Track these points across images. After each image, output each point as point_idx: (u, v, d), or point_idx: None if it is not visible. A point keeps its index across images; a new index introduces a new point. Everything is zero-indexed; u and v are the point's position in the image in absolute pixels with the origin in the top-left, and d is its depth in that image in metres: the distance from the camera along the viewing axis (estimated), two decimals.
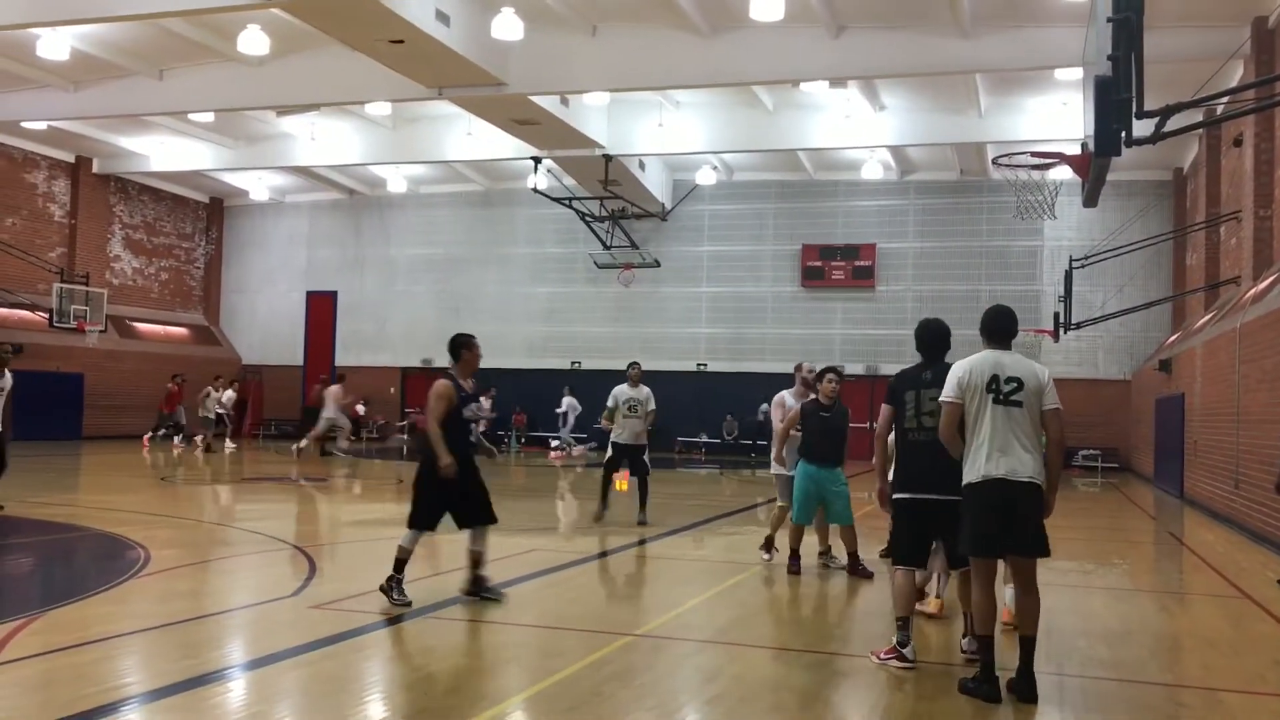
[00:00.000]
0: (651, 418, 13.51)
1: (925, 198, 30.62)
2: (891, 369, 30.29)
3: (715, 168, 30.39)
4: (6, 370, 11.70)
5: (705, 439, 30.98)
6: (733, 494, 19.52)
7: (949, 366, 6.39)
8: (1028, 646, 5.71)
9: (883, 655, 6.37)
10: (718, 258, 32.18)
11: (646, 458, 13.47)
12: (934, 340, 7.10)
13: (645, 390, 13.44)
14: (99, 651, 6.24)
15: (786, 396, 10.37)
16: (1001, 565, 6.35)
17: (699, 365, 31.99)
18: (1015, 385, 5.89)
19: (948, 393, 6.00)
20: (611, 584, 9.58)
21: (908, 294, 30.56)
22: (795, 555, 9.69)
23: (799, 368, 10.68)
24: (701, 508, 16.58)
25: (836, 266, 31.03)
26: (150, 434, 28.02)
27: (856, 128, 25.02)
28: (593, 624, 7.37)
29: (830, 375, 9.59)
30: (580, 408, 29.63)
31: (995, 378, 5.93)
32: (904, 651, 6.27)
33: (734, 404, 31.20)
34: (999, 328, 6.31)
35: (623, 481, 14.29)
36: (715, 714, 5.34)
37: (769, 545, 10.44)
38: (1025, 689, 5.63)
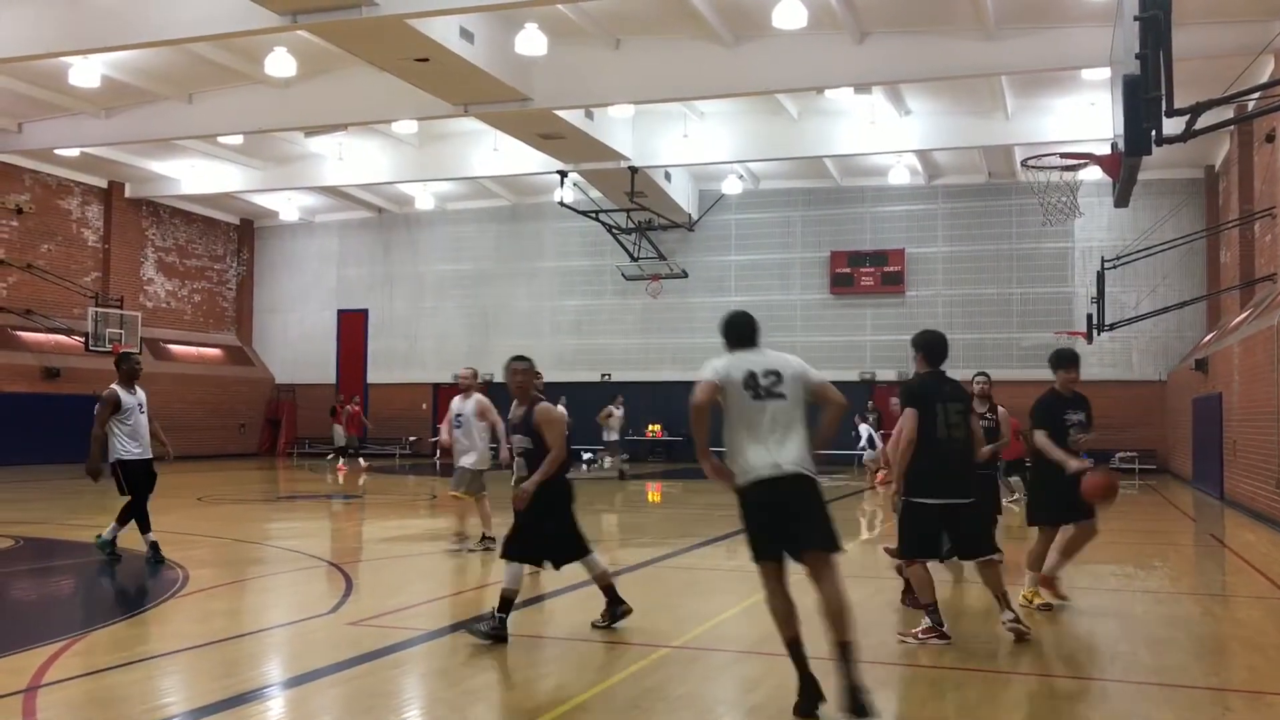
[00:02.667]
0: None
1: (953, 202, 30.46)
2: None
3: (741, 177, 30.38)
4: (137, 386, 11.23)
5: None
6: None
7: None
8: (845, 653, 5.27)
9: (921, 635, 6.81)
10: (746, 267, 32.14)
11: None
12: (943, 349, 7.36)
13: None
14: (140, 672, 6.28)
15: None
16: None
17: None
18: (774, 378, 5.68)
19: (708, 376, 5.63)
20: (647, 596, 9.55)
21: (938, 299, 30.40)
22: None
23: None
24: (734, 518, 16.51)
25: (865, 273, 30.91)
26: (338, 458, 28.42)
27: (882, 133, 24.94)
28: (630, 636, 7.35)
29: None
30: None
31: (752, 374, 5.66)
32: (943, 630, 6.84)
33: None
34: (743, 333, 6.03)
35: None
36: None
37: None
38: (852, 703, 5.10)
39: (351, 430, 28.47)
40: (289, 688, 6.02)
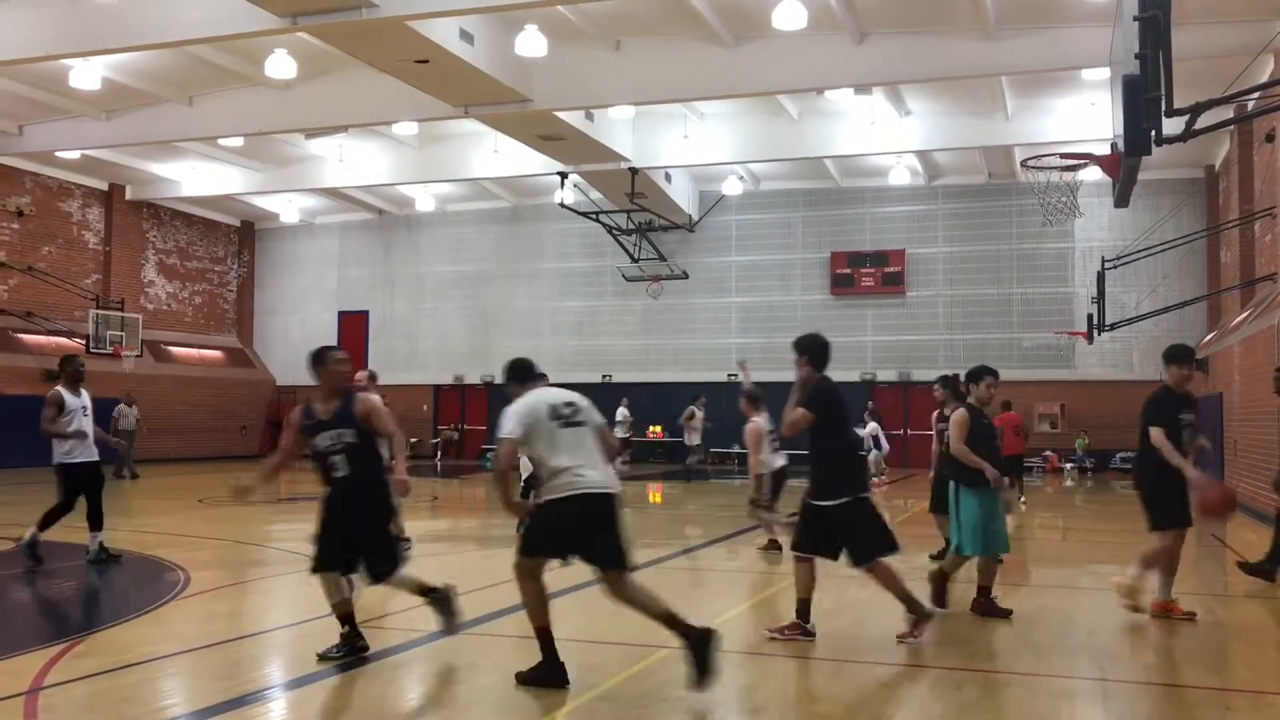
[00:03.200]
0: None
1: (953, 202, 30.46)
2: (924, 375, 30.12)
3: (741, 178, 30.39)
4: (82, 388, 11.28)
5: (738, 449, 30.84)
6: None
7: None
8: (673, 622, 5.89)
9: (786, 631, 7.18)
10: (746, 268, 32.14)
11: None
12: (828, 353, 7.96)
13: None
14: (142, 673, 6.29)
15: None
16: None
17: (730, 376, 31.91)
18: (573, 409, 6.26)
19: (509, 431, 6.16)
20: None
21: (938, 299, 30.39)
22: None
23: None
24: (736, 519, 16.52)
25: (866, 274, 30.90)
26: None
27: (882, 134, 24.95)
28: (632, 637, 7.35)
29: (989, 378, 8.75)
30: (631, 417, 29.36)
31: (553, 406, 6.22)
32: (807, 628, 7.16)
33: (764, 414, 31.06)
34: (532, 372, 6.75)
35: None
36: None
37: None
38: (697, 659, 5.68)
39: None
40: (291, 689, 6.03)
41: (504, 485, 6.25)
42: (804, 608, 7.25)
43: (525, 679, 5.94)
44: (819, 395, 7.29)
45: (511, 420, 6.17)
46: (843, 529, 7.07)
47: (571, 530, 5.98)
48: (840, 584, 9.97)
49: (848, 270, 31.04)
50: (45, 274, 29.43)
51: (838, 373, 26.65)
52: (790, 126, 25.26)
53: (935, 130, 24.93)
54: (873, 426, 24.71)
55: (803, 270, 31.65)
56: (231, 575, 10.31)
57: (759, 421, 12.18)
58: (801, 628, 7.21)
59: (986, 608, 8.15)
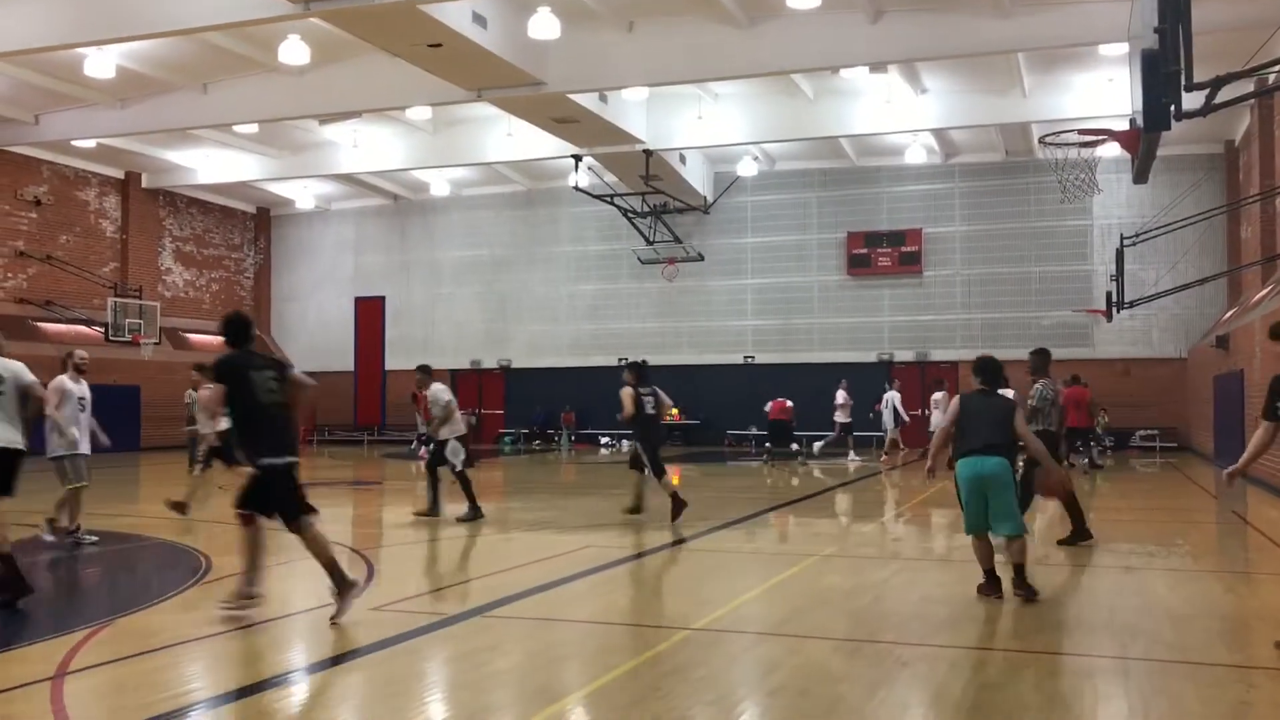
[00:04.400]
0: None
1: (970, 180, 30.29)
2: (942, 355, 30.06)
3: (756, 158, 30.27)
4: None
5: (755, 431, 30.83)
6: (783, 487, 19.44)
7: None
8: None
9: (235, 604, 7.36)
10: (762, 249, 32.05)
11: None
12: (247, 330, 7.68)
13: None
14: (166, 658, 6.34)
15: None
16: None
17: (746, 358, 31.90)
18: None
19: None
20: (666, 579, 9.57)
21: (956, 279, 30.26)
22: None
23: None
24: (752, 500, 16.52)
25: (883, 253, 30.78)
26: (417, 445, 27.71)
27: (898, 112, 24.80)
28: (649, 619, 7.37)
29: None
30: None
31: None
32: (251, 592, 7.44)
33: (783, 395, 31.05)
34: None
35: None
36: (776, 706, 5.32)
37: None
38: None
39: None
40: (312, 673, 6.06)
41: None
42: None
43: None
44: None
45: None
46: None
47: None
48: (857, 564, 9.98)
49: (864, 250, 30.93)
50: (64, 263, 29.59)
51: (853, 353, 26.79)
52: (805, 106, 25.14)
53: (951, 108, 24.77)
54: (890, 395, 24.76)
55: (819, 251, 31.55)
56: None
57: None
58: None
59: (981, 588, 7.94)
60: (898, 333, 30.59)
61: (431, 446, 13.51)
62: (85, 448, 11.26)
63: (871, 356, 30.31)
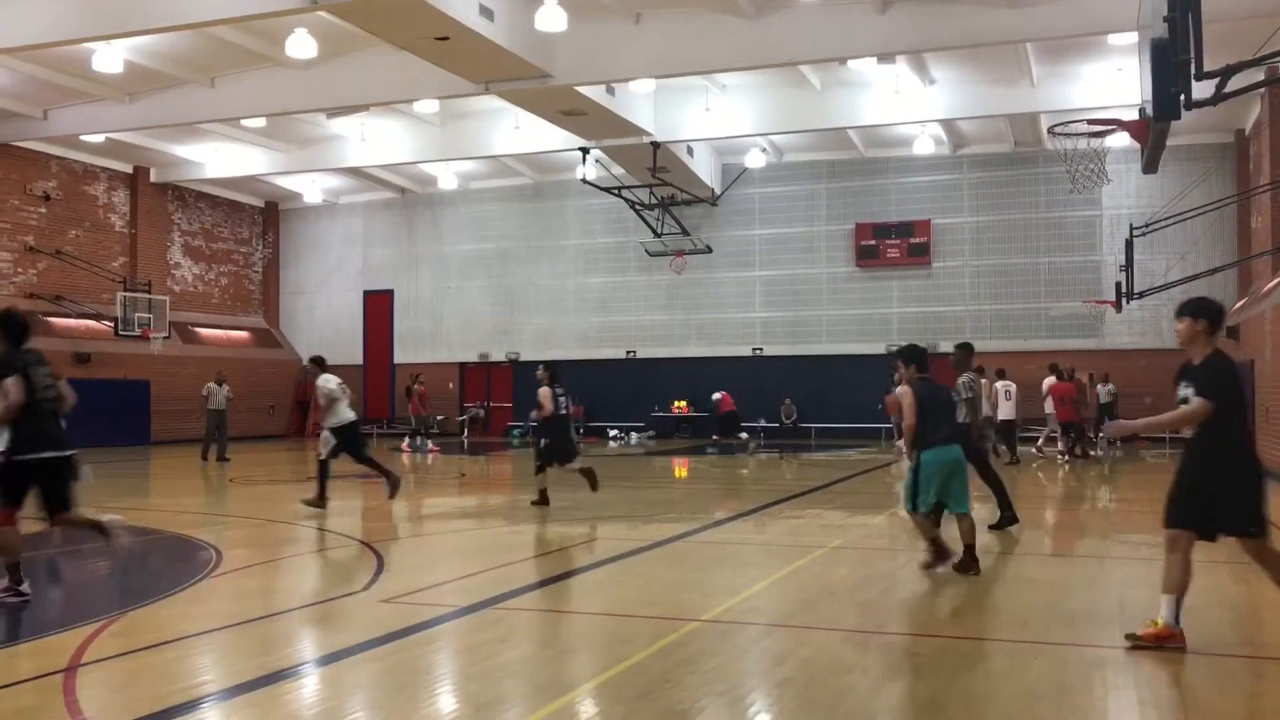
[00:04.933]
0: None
1: (979, 171, 30.20)
2: (949, 346, 30.01)
3: (764, 150, 30.22)
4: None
5: (763, 423, 30.85)
6: (793, 478, 19.44)
7: None
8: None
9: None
10: (770, 240, 32.02)
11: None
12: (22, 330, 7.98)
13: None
14: (177, 651, 6.37)
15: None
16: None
17: (755, 350, 31.88)
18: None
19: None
20: (676, 570, 9.58)
21: (965, 270, 30.19)
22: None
23: None
24: (762, 492, 16.53)
25: (891, 245, 30.72)
26: (409, 441, 27.62)
27: (906, 103, 24.73)
28: (659, 610, 7.38)
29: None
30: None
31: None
32: (20, 589, 7.49)
33: (792, 387, 31.08)
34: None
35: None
36: (785, 697, 5.32)
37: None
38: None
39: (421, 410, 28.20)
40: (323, 665, 6.09)
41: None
42: None
43: None
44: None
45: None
46: None
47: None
48: (867, 556, 9.98)
49: (873, 241, 30.87)
50: (73, 257, 29.67)
51: (861, 345, 26.84)
52: (813, 97, 25.08)
53: (960, 98, 24.69)
54: (1001, 385, 24.81)
55: (827, 242, 31.50)
56: (263, 554, 10.41)
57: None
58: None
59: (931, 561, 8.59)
60: (906, 324, 30.52)
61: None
62: None
63: (880, 348, 30.27)
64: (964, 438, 9.37)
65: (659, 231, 29.95)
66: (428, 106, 26.27)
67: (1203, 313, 6.30)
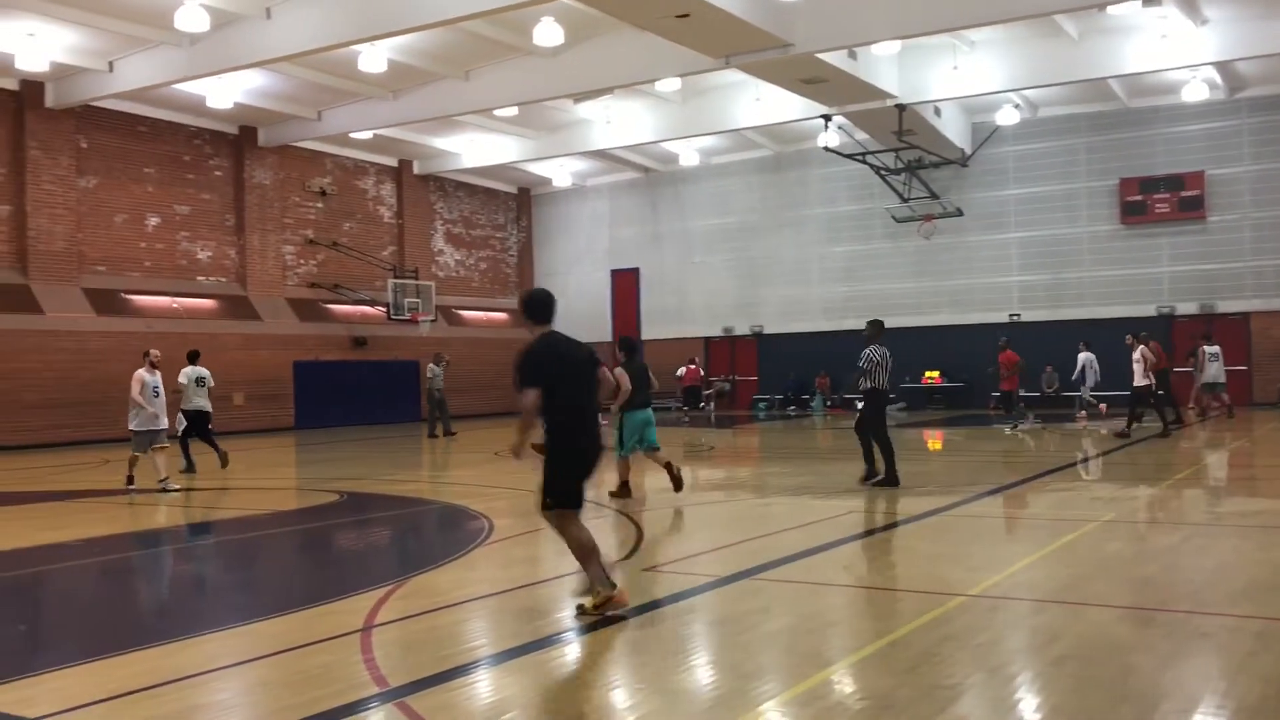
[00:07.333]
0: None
1: (1261, 115, 27.73)
2: (1228, 306, 27.82)
3: (1017, 106, 28.80)
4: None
5: (1023, 393, 29.53)
6: (1056, 449, 18.55)
7: None
8: None
9: None
10: (1026, 200, 30.57)
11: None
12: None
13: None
14: (458, 614, 6.76)
15: None
16: None
17: (1011, 316, 30.58)
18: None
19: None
20: (936, 544, 9.35)
21: (1244, 224, 27.85)
22: None
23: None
24: (1023, 465, 15.88)
25: (1160, 199, 28.71)
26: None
27: (1175, 47, 22.94)
28: (921, 585, 7.23)
29: None
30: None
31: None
32: None
33: (1053, 355, 29.61)
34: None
35: None
36: (1062, 675, 5.10)
37: None
38: None
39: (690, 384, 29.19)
40: (588, 632, 6.30)
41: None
42: None
43: None
44: None
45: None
46: None
47: None
48: (1142, 530, 9.41)
49: (1139, 197, 28.96)
50: (348, 248, 31.89)
51: (1129, 308, 25.48)
52: (1069, 48, 23.70)
53: (1237, 37, 22.65)
54: (1085, 356, 23.65)
55: (1088, 200, 29.79)
56: (529, 523, 10.86)
57: None
58: None
59: None
60: (1179, 284, 28.50)
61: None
62: (161, 424, 14.19)
63: (1150, 310, 28.40)
64: None
65: (906, 196, 29.17)
66: (669, 85, 26.51)
67: None
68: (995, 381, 23.78)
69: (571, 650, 5.91)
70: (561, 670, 5.61)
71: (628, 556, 8.50)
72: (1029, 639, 5.87)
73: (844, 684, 5.12)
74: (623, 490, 12.25)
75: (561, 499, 6.49)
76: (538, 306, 7.02)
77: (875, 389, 12.65)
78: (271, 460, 20.67)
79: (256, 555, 10.07)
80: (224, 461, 16.41)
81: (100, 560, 9.58)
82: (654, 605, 6.70)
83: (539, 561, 8.90)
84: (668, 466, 12.37)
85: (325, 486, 14.55)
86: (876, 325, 13.13)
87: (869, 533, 9.61)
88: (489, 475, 16.05)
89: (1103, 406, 23.99)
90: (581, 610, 6.42)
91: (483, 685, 5.27)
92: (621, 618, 6.30)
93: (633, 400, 11.60)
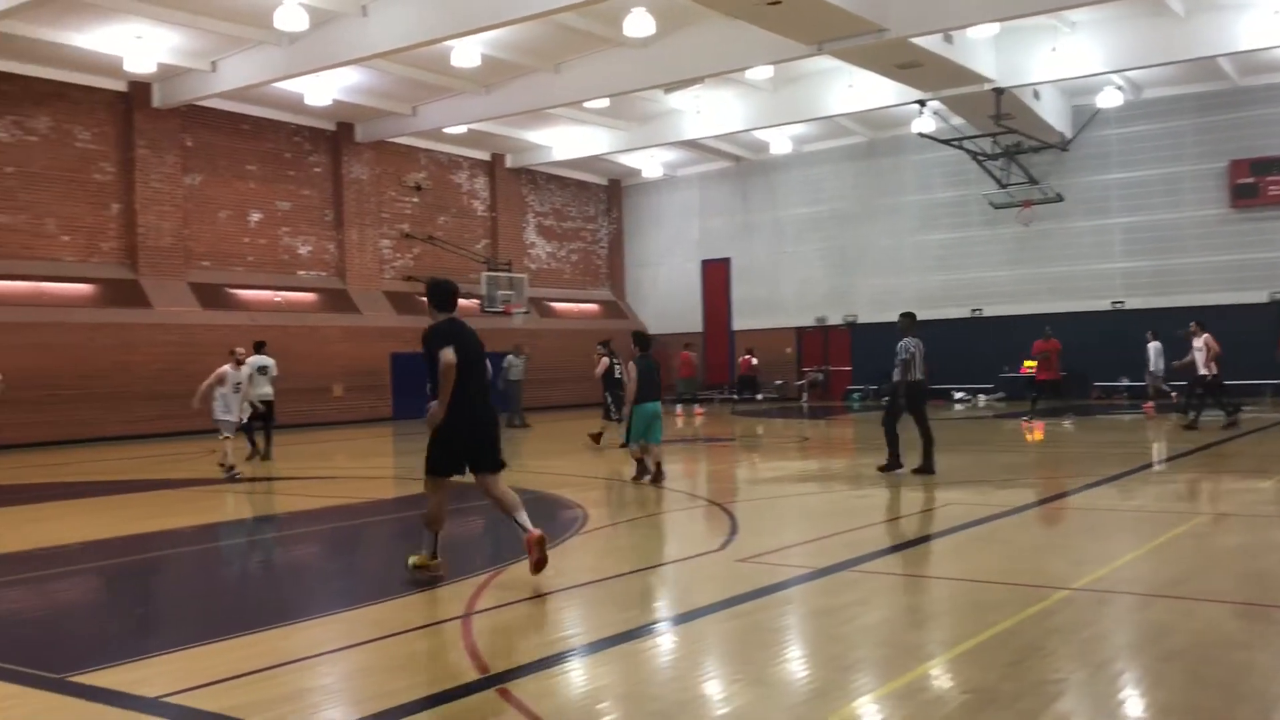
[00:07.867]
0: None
1: None
2: None
3: (1120, 88, 27.94)
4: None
5: (1127, 382, 28.74)
6: (1164, 439, 17.99)
7: None
8: None
9: None
10: (1129, 185, 29.67)
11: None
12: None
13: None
14: (552, 603, 6.82)
15: None
16: None
17: (1114, 303, 29.76)
18: None
19: None
20: (1039, 536, 9.15)
21: None
22: None
23: None
24: (1129, 455, 15.44)
25: (1273, 181, 27.61)
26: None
27: None
28: (1025, 577, 7.07)
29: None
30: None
31: None
32: None
33: (1159, 340, 28.68)
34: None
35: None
36: (1174, 672, 4.95)
37: None
38: None
39: (686, 374, 29.15)
40: (684, 621, 6.30)
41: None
42: None
43: None
44: None
45: None
46: None
47: None
48: (1256, 524, 9.10)
49: (1251, 179, 27.91)
50: (443, 242, 32.35)
51: (1235, 294, 24.62)
52: (1176, 26, 22.91)
53: None
54: (1155, 346, 23.07)
55: (1194, 183, 28.81)
56: (623, 513, 10.92)
57: None
58: None
59: None
60: None
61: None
62: (239, 415, 15.67)
63: (1263, 296, 27.36)
64: None
65: (1004, 182, 28.55)
66: (760, 73, 26.32)
67: None
68: (1106, 370, 23.23)
69: (666, 640, 5.91)
70: (657, 660, 5.62)
71: (722, 547, 8.47)
72: (1137, 634, 5.71)
73: (944, 678, 5.03)
74: (641, 473, 13.06)
75: (432, 466, 7.48)
76: (445, 295, 7.97)
77: (914, 380, 12.96)
78: (370, 450, 21.09)
79: (357, 543, 10.29)
80: (264, 455, 17.60)
81: (205, 547, 9.87)
82: (750, 596, 6.66)
83: (633, 551, 8.93)
84: (656, 466, 12.85)
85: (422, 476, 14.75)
86: (910, 317, 13.36)
87: (969, 525, 9.42)
88: (582, 465, 16.15)
89: (1175, 395, 23.27)
90: (407, 567, 7.37)
91: (580, 673, 5.29)
92: (437, 579, 7.24)
93: (641, 394, 12.78)
